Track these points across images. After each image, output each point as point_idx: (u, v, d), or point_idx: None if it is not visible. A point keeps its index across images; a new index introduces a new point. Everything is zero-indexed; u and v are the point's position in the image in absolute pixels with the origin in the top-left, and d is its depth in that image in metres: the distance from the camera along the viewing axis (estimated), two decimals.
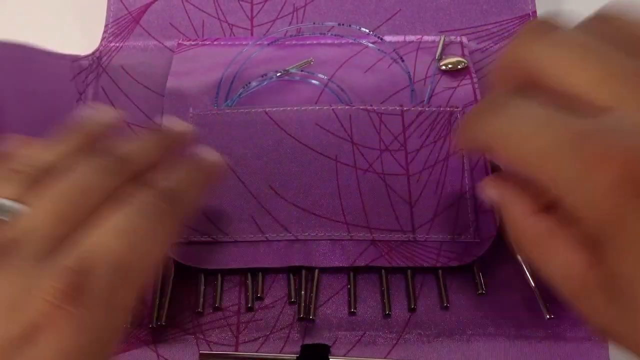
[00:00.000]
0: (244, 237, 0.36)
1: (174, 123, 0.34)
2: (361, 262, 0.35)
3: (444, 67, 0.41)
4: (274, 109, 0.39)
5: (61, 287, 0.22)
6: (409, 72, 0.41)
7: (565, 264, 0.24)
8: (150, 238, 0.25)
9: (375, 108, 0.39)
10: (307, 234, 0.36)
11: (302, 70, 0.42)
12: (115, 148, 0.28)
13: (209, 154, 0.32)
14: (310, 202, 0.36)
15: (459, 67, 0.41)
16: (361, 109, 0.39)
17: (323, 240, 0.36)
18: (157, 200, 0.26)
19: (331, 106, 0.39)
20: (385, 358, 0.34)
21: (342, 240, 0.36)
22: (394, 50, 0.42)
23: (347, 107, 0.39)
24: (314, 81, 0.41)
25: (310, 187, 0.37)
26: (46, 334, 0.21)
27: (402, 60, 0.42)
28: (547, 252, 0.24)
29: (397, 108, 0.39)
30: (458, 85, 0.40)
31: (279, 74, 0.41)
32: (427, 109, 0.39)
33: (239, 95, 0.41)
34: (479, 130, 0.26)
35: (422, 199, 0.36)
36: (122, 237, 0.24)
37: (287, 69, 0.41)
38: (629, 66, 0.23)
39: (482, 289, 0.35)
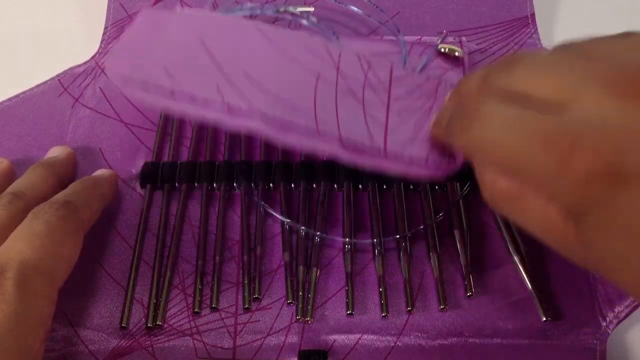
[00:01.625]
0: (201, 93, 0.34)
1: (56, 151, 0.39)
2: (328, 155, 0.33)
3: (442, 49, 0.42)
4: (265, 26, 0.38)
5: None
6: (404, 42, 0.42)
7: (541, 220, 0.25)
8: (49, 237, 0.30)
9: (366, 55, 0.37)
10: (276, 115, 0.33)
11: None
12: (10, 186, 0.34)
13: (100, 171, 0.38)
14: (284, 105, 0.34)
15: (455, 54, 0.42)
16: (352, 50, 0.37)
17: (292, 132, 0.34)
18: (52, 208, 0.32)
19: (322, 40, 0.38)
20: None
21: (312, 137, 0.34)
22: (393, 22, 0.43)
23: (338, 46, 0.38)
24: (305, 22, 0.41)
25: (286, 92, 0.34)
26: None
27: (399, 32, 0.43)
28: (522, 210, 0.26)
29: (388, 63, 0.37)
30: (450, 69, 0.41)
31: (279, 10, 0.41)
32: (417, 74, 0.38)
33: (232, 12, 0.41)
34: (455, 139, 0.29)
35: (399, 130, 0.34)
36: (24, 240, 0.30)
37: (286, 7, 0.41)
38: (576, 68, 0.25)
39: (471, 291, 0.35)
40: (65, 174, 0.37)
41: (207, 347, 0.34)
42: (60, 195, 0.33)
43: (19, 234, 0.30)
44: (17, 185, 0.34)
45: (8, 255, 0.29)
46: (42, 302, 0.29)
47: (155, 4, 0.48)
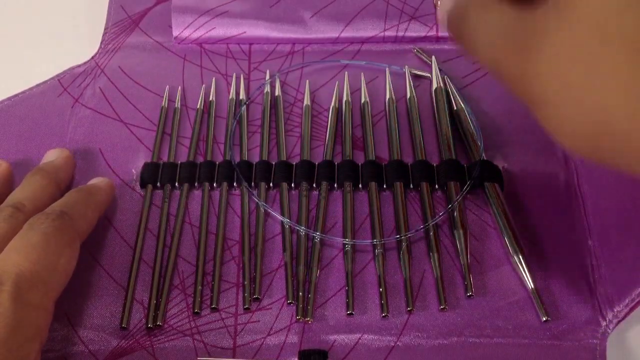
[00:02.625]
0: None
1: (53, 154, 0.38)
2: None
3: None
4: None
5: None
6: None
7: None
8: (46, 249, 0.30)
9: None
10: None
11: None
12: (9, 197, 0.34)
13: (97, 180, 0.38)
14: None
15: None
16: None
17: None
18: (48, 219, 0.31)
19: None
20: None
21: None
22: None
23: None
24: None
25: None
26: None
27: None
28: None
29: None
30: None
31: None
32: None
33: None
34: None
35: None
36: (20, 252, 0.30)
37: None
38: None
39: (471, 290, 0.35)
40: (64, 179, 0.37)
41: (207, 347, 0.34)
42: (57, 205, 0.33)
43: (15, 245, 0.30)
44: (17, 196, 0.34)
45: (4, 267, 0.29)
46: (37, 314, 0.29)
47: (156, 4, 0.48)
